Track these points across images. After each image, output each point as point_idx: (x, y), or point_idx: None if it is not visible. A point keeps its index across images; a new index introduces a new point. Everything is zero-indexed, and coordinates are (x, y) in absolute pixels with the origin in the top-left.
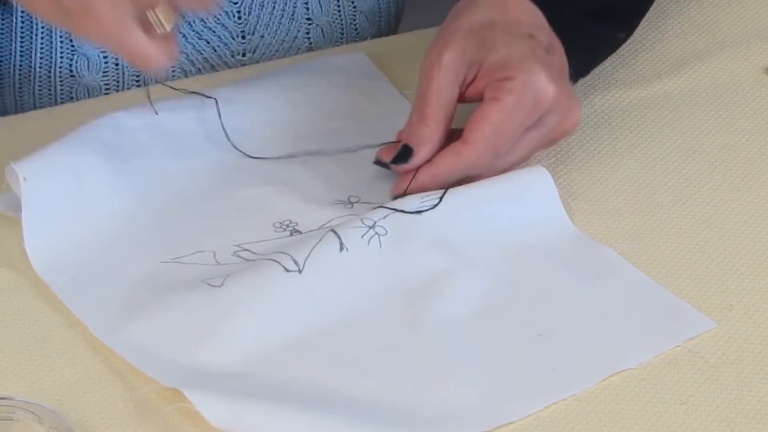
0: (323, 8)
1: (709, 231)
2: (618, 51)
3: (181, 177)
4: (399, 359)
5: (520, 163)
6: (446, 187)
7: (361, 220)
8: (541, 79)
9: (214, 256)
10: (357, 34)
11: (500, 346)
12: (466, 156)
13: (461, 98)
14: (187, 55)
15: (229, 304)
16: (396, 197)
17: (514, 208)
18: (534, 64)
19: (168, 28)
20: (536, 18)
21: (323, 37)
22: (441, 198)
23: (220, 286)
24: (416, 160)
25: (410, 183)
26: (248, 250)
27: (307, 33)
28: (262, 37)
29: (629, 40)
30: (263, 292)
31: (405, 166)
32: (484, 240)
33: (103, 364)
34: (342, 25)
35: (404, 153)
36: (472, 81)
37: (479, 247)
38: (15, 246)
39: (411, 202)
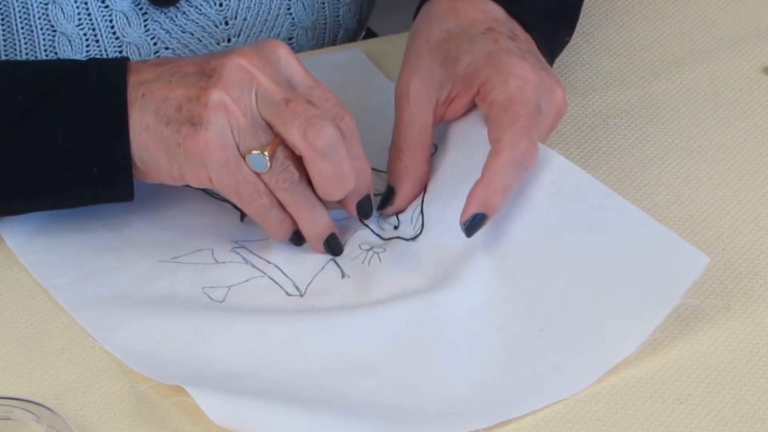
0: None
1: (708, 231)
2: (617, 51)
3: None
4: (398, 357)
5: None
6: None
7: (359, 246)
8: (514, 63)
9: (213, 254)
10: (338, 19)
11: (501, 342)
12: (505, 155)
13: (443, 117)
14: (173, 50)
15: (230, 310)
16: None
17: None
18: (501, 54)
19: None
20: (490, 12)
21: (304, 9)
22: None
23: (221, 302)
24: (398, 200)
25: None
26: (246, 248)
27: (288, 9)
28: (245, 19)
29: (628, 40)
30: (264, 307)
31: (390, 209)
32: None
33: (101, 363)
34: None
35: (388, 195)
36: (455, 97)
37: (480, 241)
38: None
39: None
